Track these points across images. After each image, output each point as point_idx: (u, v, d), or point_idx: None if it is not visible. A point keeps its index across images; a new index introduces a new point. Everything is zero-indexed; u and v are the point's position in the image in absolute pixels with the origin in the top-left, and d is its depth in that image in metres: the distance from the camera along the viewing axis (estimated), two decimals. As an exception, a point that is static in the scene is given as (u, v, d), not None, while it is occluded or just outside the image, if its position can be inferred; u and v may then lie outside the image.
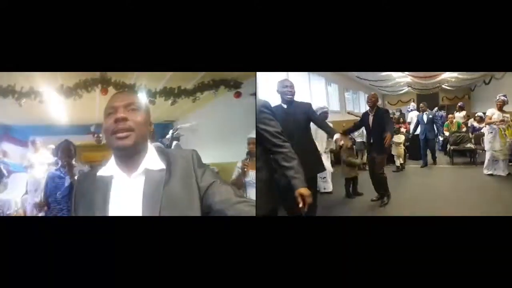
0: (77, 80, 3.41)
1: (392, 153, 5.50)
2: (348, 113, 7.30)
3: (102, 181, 0.95)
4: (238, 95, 4.05)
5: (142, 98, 1.13)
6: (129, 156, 0.95)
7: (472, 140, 5.64)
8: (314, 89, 5.94)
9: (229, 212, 0.92)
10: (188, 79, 3.88)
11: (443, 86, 9.86)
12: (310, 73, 5.79)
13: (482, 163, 4.74)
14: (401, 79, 8.15)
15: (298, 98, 5.25)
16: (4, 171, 4.43)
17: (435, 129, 5.95)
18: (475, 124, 6.13)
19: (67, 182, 2.40)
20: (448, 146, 5.77)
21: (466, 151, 5.63)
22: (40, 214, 2.70)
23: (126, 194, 0.93)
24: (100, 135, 5.19)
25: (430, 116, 5.57)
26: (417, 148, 6.18)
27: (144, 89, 3.78)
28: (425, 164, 5.47)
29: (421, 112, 5.72)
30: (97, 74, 3.42)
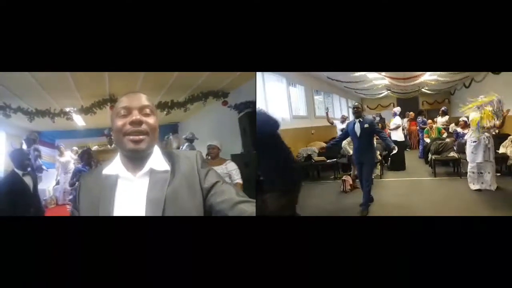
0: (92, 101, 4.39)
1: None
2: (327, 113, 6.14)
3: (108, 180, 0.93)
4: (225, 103, 4.52)
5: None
6: (137, 157, 0.93)
7: (455, 148, 4.76)
8: (270, 90, 4.93)
9: (230, 213, 0.88)
10: (180, 93, 4.47)
11: (422, 89, 9.12)
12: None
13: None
14: (378, 81, 7.28)
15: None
16: (44, 167, 5.53)
17: (375, 146, 3.53)
18: (459, 129, 5.24)
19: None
20: (430, 155, 4.81)
21: (449, 161, 4.71)
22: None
23: (130, 193, 0.91)
24: (112, 137, 5.51)
25: (366, 125, 3.17)
26: (400, 156, 5.21)
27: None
28: (364, 207, 3.15)
29: (355, 119, 3.29)
30: (107, 95, 4.31)
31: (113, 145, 5.92)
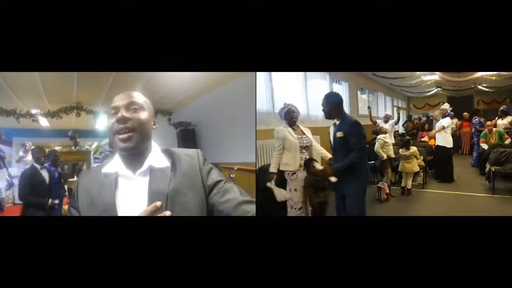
0: (59, 106, 4.53)
1: (399, 169, 3.84)
2: (370, 112, 5.33)
3: (107, 178, 0.88)
4: (169, 120, 5.50)
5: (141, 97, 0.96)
6: (133, 155, 0.88)
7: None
8: (312, 87, 4.46)
9: (234, 213, 0.84)
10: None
11: (479, 87, 7.82)
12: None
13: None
14: (427, 77, 6.36)
15: (288, 97, 3.87)
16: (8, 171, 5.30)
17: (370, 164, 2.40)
18: (526, 136, 4.33)
19: (56, 174, 3.32)
20: (488, 165, 3.99)
21: (513, 175, 3.85)
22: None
23: (131, 191, 0.86)
24: (78, 140, 6.36)
25: (340, 133, 1.97)
26: (446, 165, 4.34)
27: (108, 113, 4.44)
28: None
29: (333, 121, 2.09)
30: (74, 103, 4.55)
31: (77, 148, 6.17)
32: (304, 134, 2.52)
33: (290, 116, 2.48)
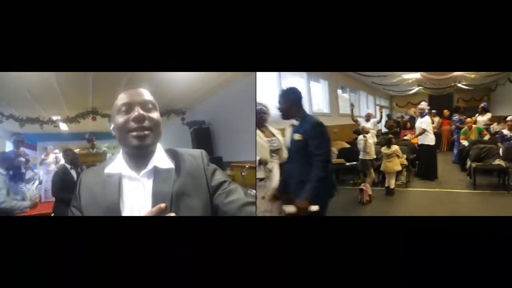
0: (77, 112, 4.95)
1: (381, 169, 3.66)
2: (352, 110, 5.10)
3: (111, 178, 0.86)
4: (183, 119, 5.58)
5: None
6: (141, 155, 0.86)
7: (501, 154, 3.83)
8: (287, 85, 4.29)
9: (238, 213, 0.83)
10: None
11: (458, 85, 7.89)
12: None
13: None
14: (409, 75, 6.33)
15: (263, 96, 3.69)
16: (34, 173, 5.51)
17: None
18: (506, 131, 4.27)
19: (76, 174, 3.40)
20: (468, 161, 3.92)
21: (493, 170, 3.78)
22: None
23: (135, 192, 0.85)
24: (95, 142, 6.47)
25: (298, 135, 1.67)
26: (431, 162, 4.19)
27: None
28: None
29: (291, 122, 1.78)
30: (89, 108, 4.90)
31: (95, 150, 6.44)
32: (274, 136, 2.24)
33: (259, 117, 2.20)
